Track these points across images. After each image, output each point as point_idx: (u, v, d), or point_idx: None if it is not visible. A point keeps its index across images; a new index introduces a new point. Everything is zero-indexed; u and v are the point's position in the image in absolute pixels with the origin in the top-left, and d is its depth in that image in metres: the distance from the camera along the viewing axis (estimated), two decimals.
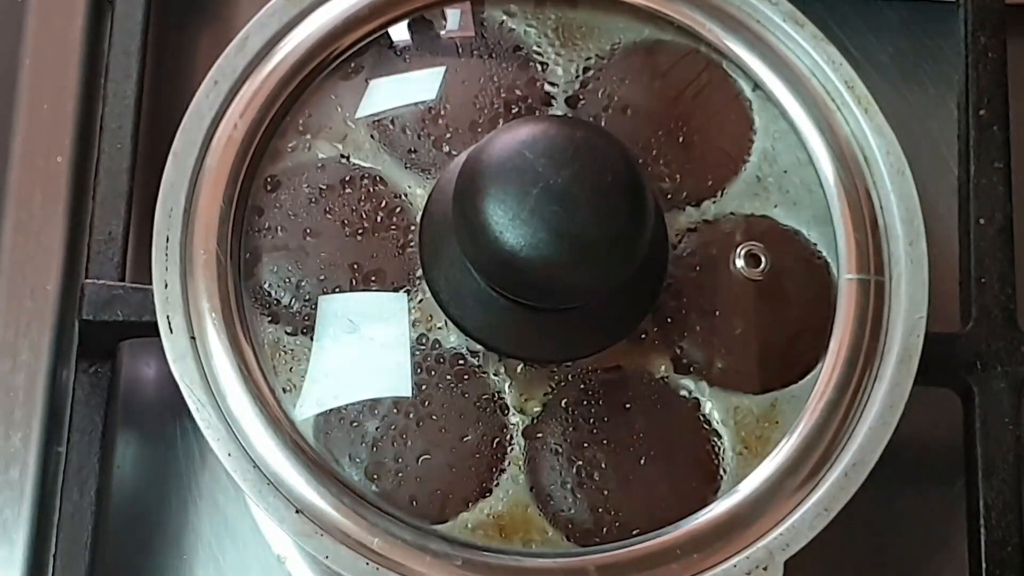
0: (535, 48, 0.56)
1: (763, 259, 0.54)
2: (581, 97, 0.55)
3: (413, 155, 0.54)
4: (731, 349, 0.53)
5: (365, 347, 0.52)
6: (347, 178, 0.54)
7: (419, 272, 0.52)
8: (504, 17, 0.56)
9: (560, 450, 0.52)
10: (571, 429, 0.52)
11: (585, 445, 0.52)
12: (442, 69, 0.55)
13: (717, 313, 0.54)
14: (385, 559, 0.50)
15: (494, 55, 0.56)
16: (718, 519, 0.51)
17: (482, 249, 0.48)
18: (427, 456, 0.51)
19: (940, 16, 0.68)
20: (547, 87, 0.55)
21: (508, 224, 0.47)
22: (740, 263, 0.54)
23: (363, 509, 0.50)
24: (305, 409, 0.52)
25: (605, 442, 0.52)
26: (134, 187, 0.59)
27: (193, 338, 0.51)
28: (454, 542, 0.50)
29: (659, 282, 0.53)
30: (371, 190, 0.54)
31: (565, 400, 0.52)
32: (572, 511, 0.51)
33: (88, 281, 0.57)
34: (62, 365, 0.61)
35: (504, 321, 0.51)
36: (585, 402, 0.52)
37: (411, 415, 0.51)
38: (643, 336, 0.53)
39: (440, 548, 0.50)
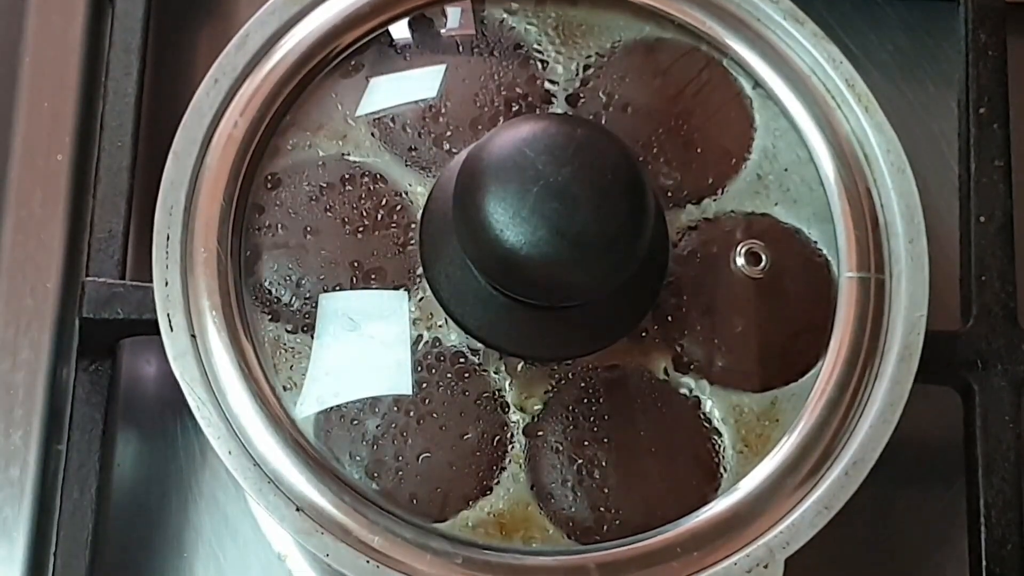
0: (535, 46, 0.56)
1: (763, 257, 0.54)
2: (581, 95, 0.55)
3: (413, 153, 0.54)
4: (731, 347, 0.53)
5: (365, 345, 0.52)
6: (347, 176, 0.54)
7: (419, 270, 0.52)
8: (504, 15, 0.56)
9: (561, 448, 0.52)
10: (572, 427, 0.52)
11: (585, 443, 0.52)
12: (442, 67, 0.55)
13: (717, 311, 0.54)
14: (386, 557, 0.50)
15: (494, 53, 0.56)
16: (718, 517, 0.51)
17: (482, 247, 0.48)
18: (427, 454, 0.51)
19: (940, 14, 0.68)
20: (547, 85, 0.55)
21: (508, 222, 0.47)
22: (740, 261, 0.54)
23: (364, 507, 0.50)
24: (305, 407, 0.52)
25: (605, 440, 0.52)
26: (134, 185, 0.59)
27: (193, 336, 0.51)
28: (455, 540, 0.50)
29: (659, 280, 0.53)
30: (371, 188, 0.54)
31: (566, 398, 0.52)
32: (573, 509, 0.51)
33: (88, 279, 0.57)
34: (62, 363, 0.61)
35: (504, 319, 0.51)
36: (585, 400, 0.52)
37: (411, 413, 0.51)
38: (643, 334, 0.53)
39: (441, 546, 0.50)
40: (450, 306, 0.52)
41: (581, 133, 0.49)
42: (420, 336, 0.52)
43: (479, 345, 0.52)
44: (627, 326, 0.52)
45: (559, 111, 0.55)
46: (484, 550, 0.50)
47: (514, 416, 0.52)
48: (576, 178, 0.47)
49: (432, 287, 0.52)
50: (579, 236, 0.47)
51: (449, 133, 0.54)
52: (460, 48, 0.56)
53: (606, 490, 0.51)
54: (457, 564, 0.50)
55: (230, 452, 0.51)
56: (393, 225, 0.53)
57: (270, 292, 0.53)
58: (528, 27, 0.56)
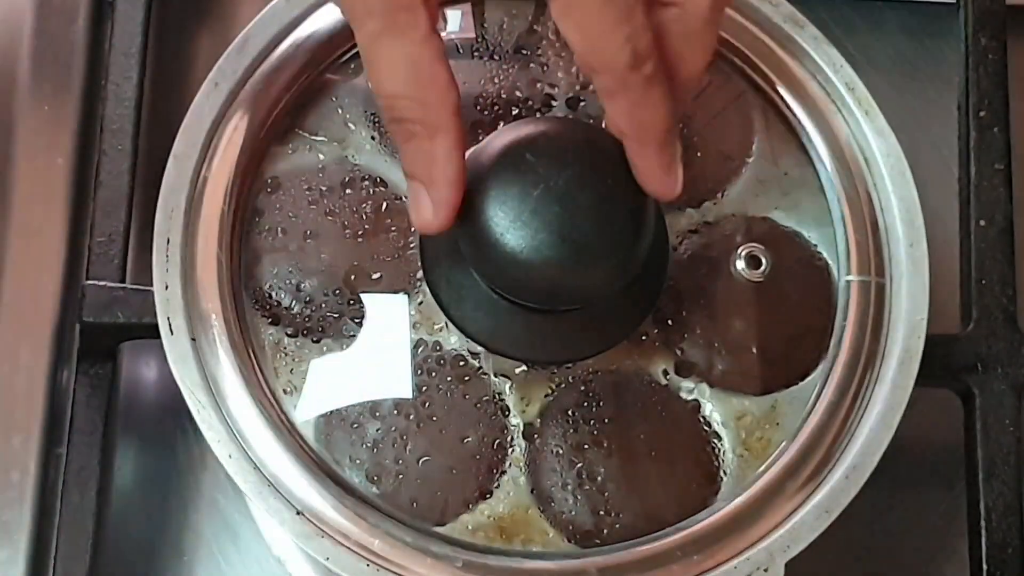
0: (536, 50, 0.56)
1: (764, 260, 0.54)
2: (582, 99, 0.55)
3: None
4: (732, 351, 0.53)
5: (366, 349, 0.52)
6: (348, 179, 0.54)
7: (420, 274, 0.52)
8: (505, 18, 0.56)
9: (561, 452, 0.52)
10: (572, 431, 0.52)
11: (586, 447, 0.52)
12: None
13: (718, 315, 0.54)
14: (386, 560, 0.50)
15: (495, 56, 0.56)
16: (719, 521, 0.51)
17: (483, 251, 0.48)
18: (428, 458, 0.51)
19: (940, 18, 0.68)
20: (548, 88, 0.55)
21: (509, 226, 0.47)
22: (741, 264, 0.54)
23: (364, 511, 0.50)
24: (306, 411, 0.52)
25: (606, 444, 0.52)
26: (135, 189, 0.59)
27: (194, 340, 0.51)
28: (455, 544, 0.50)
29: (660, 284, 0.53)
30: (372, 191, 0.54)
31: (566, 402, 0.52)
32: (573, 513, 0.51)
33: (89, 283, 0.57)
34: (63, 367, 0.61)
35: (505, 323, 0.51)
36: (586, 404, 0.52)
37: (412, 417, 0.51)
38: (644, 338, 0.53)
39: (441, 550, 0.50)
40: (450, 310, 0.52)
41: (582, 136, 0.48)
42: (420, 340, 0.52)
43: (479, 349, 0.52)
44: (627, 330, 0.52)
45: (560, 114, 0.55)
46: (484, 554, 0.50)
47: (514, 420, 0.52)
48: (577, 182, 0.47)
49: (432, 291, 0.52)
50: (580, 240, 0.47)
51: None
52: (460, 51, 0.56)
53: (606, 494, 0.51)
54: (457, 568, 0.50)
55: (230, 455, 0.50)
56: (393, 229, 0.53)
57: (270, 296, 0.53)
58: (528, 31, 0.56)
